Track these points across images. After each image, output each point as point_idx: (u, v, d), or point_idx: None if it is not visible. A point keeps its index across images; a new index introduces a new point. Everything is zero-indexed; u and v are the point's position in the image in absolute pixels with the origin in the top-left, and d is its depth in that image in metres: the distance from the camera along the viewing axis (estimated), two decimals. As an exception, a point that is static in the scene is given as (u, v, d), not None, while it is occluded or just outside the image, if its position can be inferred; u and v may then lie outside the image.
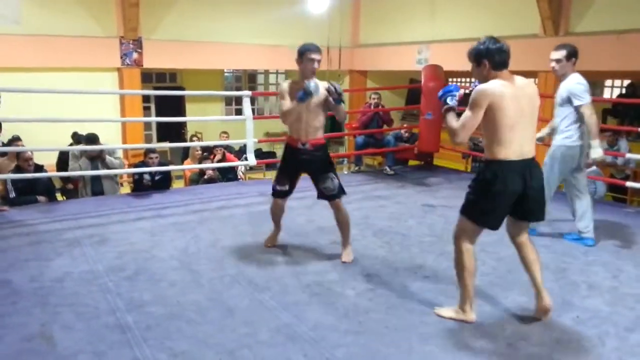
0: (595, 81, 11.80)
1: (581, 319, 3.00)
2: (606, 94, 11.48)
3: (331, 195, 3.69)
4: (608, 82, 11.92)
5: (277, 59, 11.41)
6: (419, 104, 6.93)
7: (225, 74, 13.28)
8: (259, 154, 11.63)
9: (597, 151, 3.94)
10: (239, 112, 8.37)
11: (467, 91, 2.91)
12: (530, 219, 2.96)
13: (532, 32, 8.48)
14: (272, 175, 9.37)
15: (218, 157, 7.61)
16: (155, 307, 3.05)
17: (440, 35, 10.14)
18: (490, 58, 2.71)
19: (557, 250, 4.08)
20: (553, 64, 4.05)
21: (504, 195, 2.75)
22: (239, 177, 8.03)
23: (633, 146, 7.70)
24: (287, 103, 3.55)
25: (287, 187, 3.77)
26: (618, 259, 3.92)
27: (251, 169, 9.22)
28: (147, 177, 5.69)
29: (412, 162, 7.75)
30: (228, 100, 13.12)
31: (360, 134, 7.43)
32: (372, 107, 7.39)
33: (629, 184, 6.00)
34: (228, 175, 7.57)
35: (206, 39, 10.49)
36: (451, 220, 4.81)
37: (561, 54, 4.01)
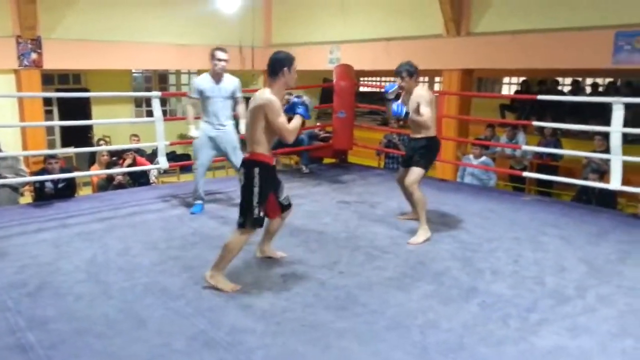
0: (494, 78, 12.58)
1: (486, 303, 3.18)
2: (504, 91, 12.24)
3: (289, 204, 3.67)
4: (506, 80, 12.72)
5: (188, 58, 11.12)
6: (332, 102, 7.03)
7: (134, 75, 12.79)
8: (172, 156, 11.30)
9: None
10: (150, 114, 8.09)
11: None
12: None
13: (436, 33, 8.87)
14: (186, 178, 9.14)
15: (128, 161, 7.31)
16: (61, 323, 2.88)
17: (350, 35, 10.35)
18: (417, 74, 4.41)
19: (464, 240, 4.30)
20: (223, 63, 4.85)
21: (437, 154, 4.63)
22: (151, 181, 7.77)
23: (530, 139, 8.27)
24: (285, 120, 3.24)
25: (264, 211, 3.36)
26: (518, 245, 4.20)
27: (165, 172, 8.96)
28: (49, 185, 5.35)
29: (327, 160, 7.86)
30: (138, 102, 12.65)
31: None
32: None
33: (525, 174, 6.45)
34: (140, 180, 7.30)
35: (112, 38, 10.03)
36: (365, 215, 4.99)
37: (228, 55, 4.91)
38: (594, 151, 6.71)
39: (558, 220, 4.88)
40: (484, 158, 7.02)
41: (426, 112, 4.22)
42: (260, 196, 3.28)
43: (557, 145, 7.85)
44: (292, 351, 2.64)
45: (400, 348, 2.68)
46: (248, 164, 3.32)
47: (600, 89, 10.98)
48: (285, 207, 3.63)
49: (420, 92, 4.29)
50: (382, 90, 4.36)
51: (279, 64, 3.31)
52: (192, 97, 4.94)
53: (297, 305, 3.12)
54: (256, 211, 3.27)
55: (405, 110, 4.27)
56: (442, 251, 4.02)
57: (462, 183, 7.04)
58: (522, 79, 11.78)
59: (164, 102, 12.87)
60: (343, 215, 5.02)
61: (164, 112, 12.39)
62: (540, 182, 7.44)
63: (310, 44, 11.14)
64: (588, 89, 11.19)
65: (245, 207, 3.29)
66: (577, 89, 10.90)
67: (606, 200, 5.91)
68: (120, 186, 6.69)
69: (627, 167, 5.17)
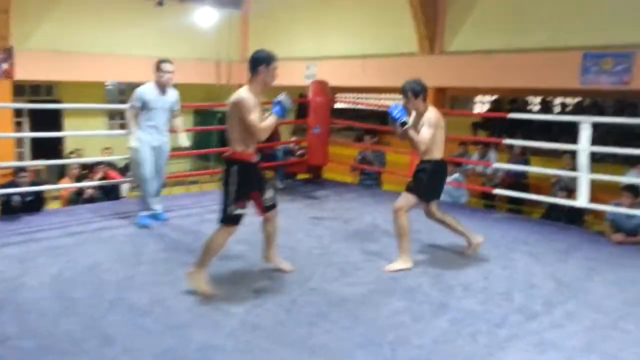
0: (467, 97, 12.81)
1: (456, 319, 3.20)
2: (476, 109, 12.44)
3: (273, 204, 3.66)
4: (478, 98, 12.96)
5: (164, 72, 11.08)
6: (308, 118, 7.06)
7: (109, 87, 12.66)
8: (146, 170, 11.17)
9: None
10: (124, 127, 7.95)
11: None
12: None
13: (411, 51, 9.01)
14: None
15: (99, 175, 7.20)
16: (23, 341, 2.79)
17: (326, 52, 10.46)
18: (424, 94, 3.98)
19: (435, 256, 4.34)
20: (170, 75, 4.86)
21: (443, 180, 4.20)
22: (122, 195, 7.66)
23: (501, 157, 8.42)
24: (256, 118, 3.28)
25: (246, 210, 3.42)
26: (488, 262, 4.24)
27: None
28: (16, 198, 5.23)
29: (301, 176, 7.86)
30: (112, 115, 12.50)
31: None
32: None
33: (496, 191, 6.55)
34: (111, 194, 7.19)
35: (86, 50, 9.94)
36: (338, 231, 4.98)
37: (173, 67, 4.90)
38: (563, 169, 6.86)
39: (528, 238, 4.96)
40: (456, 175, 7.11)
41: (425, 134, 3.87)
42: (237, 194, 3.33)
43: (526, 164, 8.00)
44: (262, 369, 2.62)
45: (371, 365, 2.67)
46: (227, 163, 3.38)
47: (569, 108, 11.27)
48: (268, 207, 3.62)
49: (428, 115, 3.94)
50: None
51: (257, 62, 3.39)
52: (136, 106, 4.83)
53: (268, 322, 3.09)
54: (231, 208, 3.33)
55: (404, 120, 3.84)
56: (413, 267, 4.04)
57: (435, 199, 7.10)
58: (494, 97, 12.02)
59: (138, 115, 12.73)
60: (316, 231, 5.01)
61: (138, 125, 12.39)
62: (511, 200, 7.55)
63: (287, 59, 11.16)
64: (557, 109, 11.47)
65: (223, 204, 3.36)
66: (546, 108, 11.17)
67: (574, 218, 6.04)
68: (91, 200, 6.58)
69: (594, 185, 5.29)
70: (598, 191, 6.09)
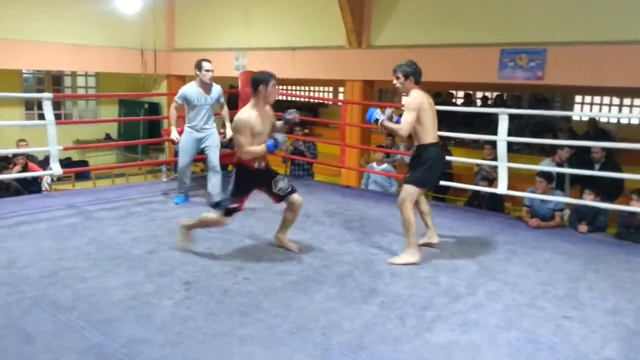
0: (393, 89, 13.12)
1: (385, 303, 3.30)
2: (403, 102, 12.79)
3: (287, 193, 3.95)
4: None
5: (85, 59, 10.56)
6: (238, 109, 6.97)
7: (25, 75, 11.92)
8: (68, 163, 10.65)
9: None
10: (42, 118, 7.41)
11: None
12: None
13: (339, 44, 9.11)
14: (82, 185, 8.66)
15: (18, 167, 6.81)
16: None
17: (255, 43, 10.36)
18: (415, 76, 3.94)
19: (366, 244, 4.44)
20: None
21: (439, 164, 4.07)
22: (43, 189, 7.28)
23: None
24: (247, 141, 3.67)
25: (237, 205, 3.82)
26: (415, 247, 4.39)
27: (58, 179, 8.41)
28: None
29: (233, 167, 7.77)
30: (29, 105, 11.78)
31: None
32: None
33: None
34: (30, 187, 6.82)
35: (1, 35, 9.30)
36: (270, 221, 4.96)
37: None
38: (484, 159, 7.21)
39: (452, 224, 5.18)
40: (385, 165, 7.29)
41: (403, 119, 3.83)
42: (234, 191, 3.80)
43: (448, 154, 8.33)
44: (193, 360, 2.59)
45: (303, 350, 2.71)
46: (234, 165, 3.91)
47: (490, 102, 11.81)
48: (282, 196, 3.96)
49: (407, 99, 3.91)
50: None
51: (257, 83, 3.75)
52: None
53: (199, 314, 3.05)
54: (226, 200, 3.82)
55: (375, 118, 3.88)
56: (345, 255, 4.12)
57: (366, 190, 7.26)
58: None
59: (58, 105, 12.09)
60: (249, 221, 4.99)
61: (59, 116, 11.77)
62: (436, 188, 7.84)
63: (215, 49, 11.00)
64: (479, 102, 12.00)
65: (225, 194, 3.87)
66: (469, 101, 11.66)
67: (495, 205, 6.37)
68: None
69: (513, 175, 5.59)
70: (517, 180, 6.47)
